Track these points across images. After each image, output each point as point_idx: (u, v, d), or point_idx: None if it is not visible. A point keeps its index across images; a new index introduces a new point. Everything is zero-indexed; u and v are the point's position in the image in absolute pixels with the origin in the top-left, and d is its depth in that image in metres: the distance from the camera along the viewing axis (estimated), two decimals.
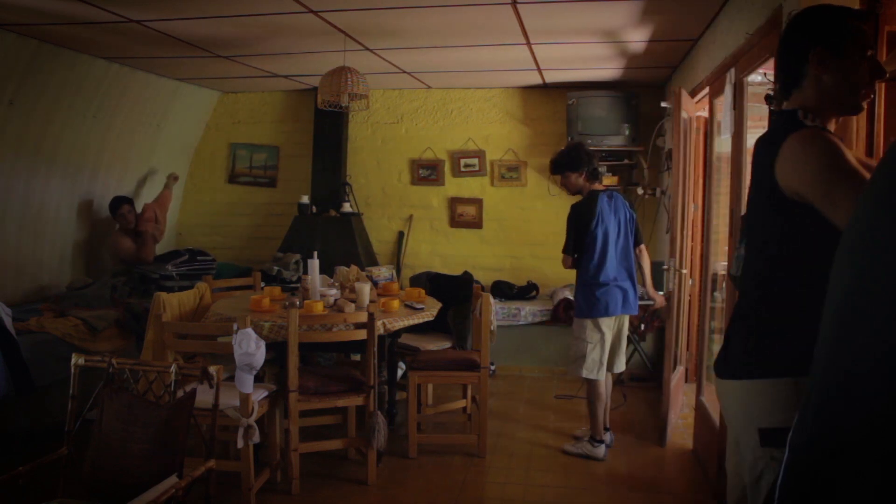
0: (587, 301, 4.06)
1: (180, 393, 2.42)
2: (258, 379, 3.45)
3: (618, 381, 5.41)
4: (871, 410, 0.85)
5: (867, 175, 1.53)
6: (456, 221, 6.77)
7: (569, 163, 4.14)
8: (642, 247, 4.30)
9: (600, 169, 4.49)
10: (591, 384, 4.09)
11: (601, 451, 4.05)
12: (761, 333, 1.73)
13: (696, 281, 4.75)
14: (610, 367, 4.18)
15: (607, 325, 4.07)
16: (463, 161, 6.70)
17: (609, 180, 6.18)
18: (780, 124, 1.74)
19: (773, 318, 1.72)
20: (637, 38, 4.57)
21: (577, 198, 4.25)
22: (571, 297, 5.90)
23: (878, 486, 0.83)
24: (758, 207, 1.78)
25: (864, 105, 1.74)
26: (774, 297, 1.74)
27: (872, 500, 0.84)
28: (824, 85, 1.69)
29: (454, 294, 4.77)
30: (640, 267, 4.32)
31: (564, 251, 4.16)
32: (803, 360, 1.57)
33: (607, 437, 4.17)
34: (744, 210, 1.87)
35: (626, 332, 4.27)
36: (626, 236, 4.16)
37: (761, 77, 3.21)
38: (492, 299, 4.30)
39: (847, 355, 0.93)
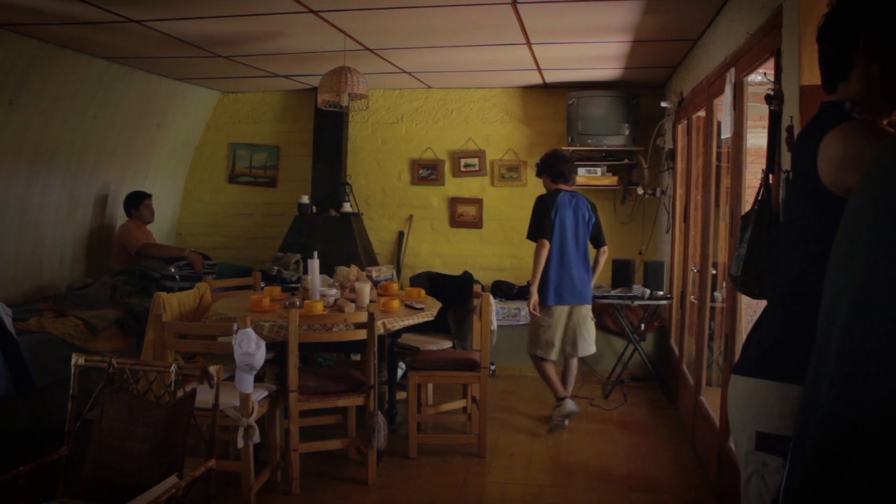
0: (543, 289, 4.52)
1: (180, 393, 2.42)
2: (258, 379, 3.45)
3: (618, 380, 5.43)
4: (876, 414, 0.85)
5: None
6: (456, 221, 6.77)
7: (539, 168, 4.79)
8: (603, 249, 4.80)
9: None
10: (540, 362, 4.64)
11: (568, 404, 4.50)
12: (784, 332, 1.65)
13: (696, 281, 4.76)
14: (574, 352, 4.64)
15: (559, 311, 4.55)
16: (463, 161, 6.70)
17: (609, 180, 6.18)
18: (825, 116, 1.61)
19: (801, 316, 1.62)
20: (637, 38, 4.57)
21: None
22: None
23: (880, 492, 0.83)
24: (799, 203, 1.67)
25: None
26: (805, 295, 1.62)
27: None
28: (874, 75, 1.52)
29: (454, 294, 4.77)
30: (596, 264, 4.80)
31: (528, 237, 4.67)
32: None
33: (569, 403, 4.53)
34: (744, 210, 1.85)
35: (587, 319, 4.66)
36: (584, 234, 4.66)
37: (761, 77, 3.21)
38: (492, 299, 4.32)
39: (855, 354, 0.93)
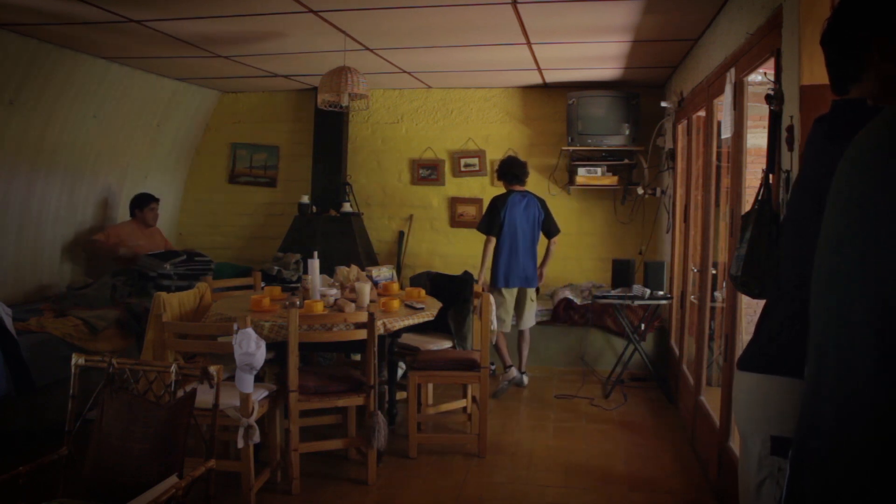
0: (494, 274, 5.40)
1: (180, 393, 2.42)
2: (258, 379, 3.45)
3: (618, 380, 5.43)
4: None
5: None
6: (456, 221, 6.78)
7: (498, 174, 5.60)
8: (554, 239, 5.60)
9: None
10: (492, 334, 5.15)
11: (513, 371, 5.47)
12: (795, 324, 1.59)
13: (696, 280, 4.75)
14: (518, 325, 5.53)
15: (509, 293, 5.40)
16: (463, 161, 6.70)
17: (609, 180, 6.19)
18: (854, 115, 1.51)
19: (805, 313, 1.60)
20: (636, 38, 4.57)
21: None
22: (572, 297, 5.92)
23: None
24: (815, 202, 1.58)
25: None
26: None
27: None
28: (888, 75, 1.45)
29: (454, 294, 4.77)
30: (548, 252, 5.62)
31: (478, 228, 5.52)
32: None
33: (513, 371, 5.50)
34: (744, 210, 1.83)
35: (530, 299, 5.50)
36: (533, 228, 5.45)
37: (761, 77, 3.21)
38: (492, 299, 4.33)
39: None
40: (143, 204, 5.77)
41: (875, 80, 1.47)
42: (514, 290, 5.43)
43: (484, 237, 5.45)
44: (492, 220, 5.39)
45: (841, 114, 1.63)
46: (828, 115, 1.69)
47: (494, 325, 4.44)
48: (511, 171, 5.48)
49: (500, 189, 6.63)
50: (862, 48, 1.46)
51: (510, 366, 5.50)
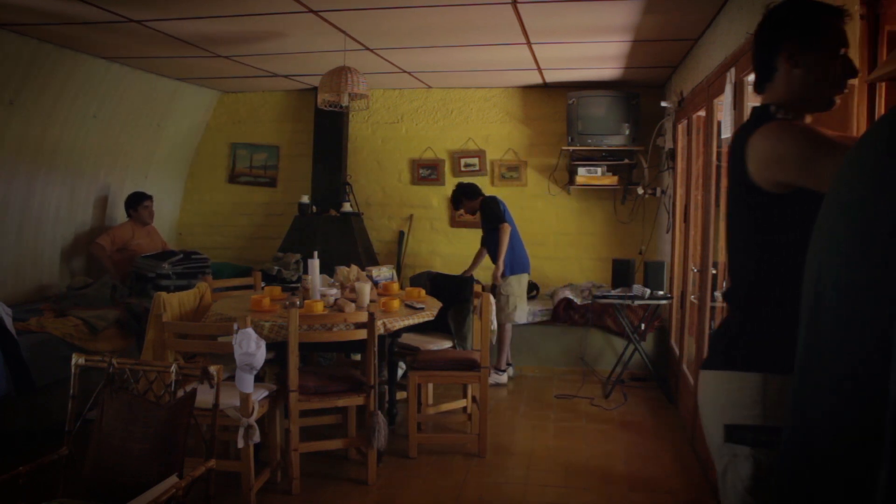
0: (515, 262, 5.60)
1: (180, 393, 2.42)
2: (258, 379, 3.45)
3: (618, 380, 5.43)
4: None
5: (846, 142, 1.52)
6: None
7: (455, 202, 5.79)
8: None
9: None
10: (512, 328, 5.68)
11: (504, 377, 5.61)
12: (740, 327, 1.74)
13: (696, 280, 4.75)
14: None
15: (524, 280, 5.66)
16: (463, 161, 6.70)
17: (609, 180, 6.19)
18: (753, 119, 1.74)
19: (753, 312, 1.72)
20: (637, 38, 4.57)
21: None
22: (572, 297, 5.91)
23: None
24: (737, 204, 1.77)
25: (837, 101, 1.73)
26: (756, 290, 1.73)
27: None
28: (794, 79, 1.68)
29: (454, 294, 4.77)
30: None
31: (493, 223, 5.53)
32: (775, 356, 1.60)
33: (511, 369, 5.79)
34: None
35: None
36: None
37: None
38: (492, 299, 4.33)
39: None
40: (136, 202, 5.74)
41: (783, 82, 1.69)
42: (526, 278, 5.70)
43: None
44: (501, 212, 5.56)
45: (752, 117, 1.76)
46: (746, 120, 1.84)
47: (494, 325, 4.44)
48: (469, 189, 5.72)
49: (500, 189, 6.66)
50: (776, 51, 1.68)
51: (510, 364, 5.64)
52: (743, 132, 1.71)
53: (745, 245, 1.77)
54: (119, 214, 6.00)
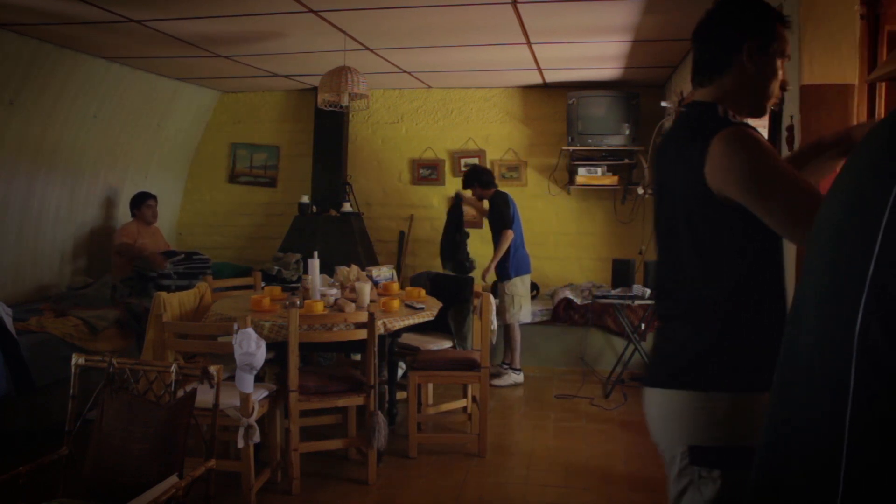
0: (517, 264, 5.58)
1: (180, 393, 2.42)
2: (258, 379, 3.45)
3: (618, 380, 5.43)
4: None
5: (795, 173, 1.51)
6: None
7: (466, 181, 5.70)
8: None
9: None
10: (520, 327, 5.65)
11: (521, 376, 5.63)
12: (717, 339, 1.61)
13: None
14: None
15: (526, 281, 5.67)
16: (463, 161, 6.70)
17: (609, 179, 6.19)
18: (700, 120, 1.65)
19: (708, 327, 1.62)
20: (636, 38, 4.57)
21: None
22: (572, 297, 5.91)
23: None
24: (686, 209, 1.63)
25: (769, 108, 1.75)
26: (711, 305, 1.62)
27: None
28: (747, 78, 1.66)
29: (454, 294, 4.77)
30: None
31: (502, 225, 5.52)
32: (751, 375, 1.56)
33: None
34: None
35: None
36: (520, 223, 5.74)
37: None
38: (492, 299, 4.32)
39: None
40: (140, 202, 5.76)
41: (736, 77, 1.67)
42: (529, 278, 5.71)
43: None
44: (510, 215, 5.56)
45: (697, 117, 1.71)
46: (685, 117, 1.79)
47: (494, 325, 4.44)
48: (484, 176, 5.67)
49: (500, 188, 6.65)
50: (737, 47, 1.67)
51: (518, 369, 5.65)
52: (695, 135, 1.60)
53: (715, 252, 1.61)
54: (119, 214, 6.01)
